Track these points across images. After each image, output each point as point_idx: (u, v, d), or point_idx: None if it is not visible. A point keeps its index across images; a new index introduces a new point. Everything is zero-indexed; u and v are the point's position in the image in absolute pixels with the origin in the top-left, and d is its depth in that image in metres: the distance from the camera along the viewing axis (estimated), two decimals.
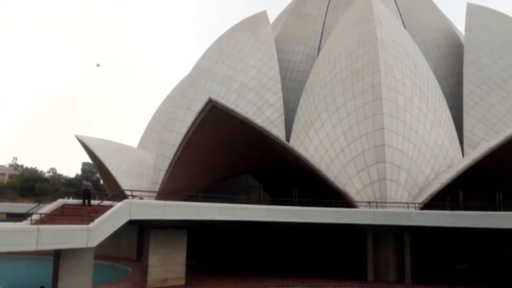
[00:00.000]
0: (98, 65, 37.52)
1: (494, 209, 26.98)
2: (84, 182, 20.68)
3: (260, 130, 27.31)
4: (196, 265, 26.67)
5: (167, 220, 20.74)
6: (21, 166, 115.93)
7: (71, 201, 20.66)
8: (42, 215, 18.11)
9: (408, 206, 25.24)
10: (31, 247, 14.72)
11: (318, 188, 31.62)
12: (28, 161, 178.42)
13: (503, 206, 29.11)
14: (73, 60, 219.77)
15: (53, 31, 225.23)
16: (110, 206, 18.63)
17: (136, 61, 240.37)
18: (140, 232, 28.95)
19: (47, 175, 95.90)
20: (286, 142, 27.62)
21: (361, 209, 25.73)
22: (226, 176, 34.61)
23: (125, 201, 18.69)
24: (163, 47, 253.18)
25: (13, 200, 67.59)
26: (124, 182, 34.74)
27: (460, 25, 43.52)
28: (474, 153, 27.56)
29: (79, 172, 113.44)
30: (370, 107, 28.91)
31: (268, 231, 29.81)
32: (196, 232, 25.02)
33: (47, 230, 15.20)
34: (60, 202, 19.70)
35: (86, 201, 20.48)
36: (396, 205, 26.33)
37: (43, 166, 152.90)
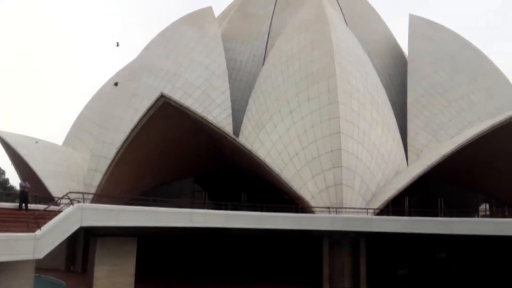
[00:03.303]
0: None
1: (436, 215, 27.84)
2: (22, 183, 17.56)
3: (216, 131, 25.54)
4: (144, 275, 24.26)
5: (119, 226, 18.32)
6: None
7: (4, 204, 17.37)
8: None
9: (367, 212, 24.98)
10: None
11: (266, 194, 30.61)
12: None
13: (444, 212, 30.35)
14: None
15: None
16: (58, 211, 15.89)
17: (53, 54, 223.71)
18: (85, 240, 25.92)
19: None
20: (245, 145, 26.10)
21: (320, 214, 25.02)
22: (170, 179, 32.29)
23: (76, 205, 16.05)
24: (80, 39, 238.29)
25: None
26: (52, 184, 31.06)
27: (400, 35, 45.34)
28: (426, 160, 28.16)
29: None
30: (326, 111, 28.42)
31: (222, 238, 28.06)
32: (145, 240, 22.64)
33: None
34: None
35: (23, 204, 17.43)
36: (352, 210, 26.01)
37: None
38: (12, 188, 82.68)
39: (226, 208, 23.73)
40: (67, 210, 15.62)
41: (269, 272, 28.46)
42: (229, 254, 29.73)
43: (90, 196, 24.63)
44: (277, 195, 30.65)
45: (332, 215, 24.66)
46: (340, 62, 30.27)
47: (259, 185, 31.95)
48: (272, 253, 29.19)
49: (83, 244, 28.37)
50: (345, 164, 26.99)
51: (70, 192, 17.00)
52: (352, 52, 32.76)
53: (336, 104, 28.16)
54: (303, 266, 27.67)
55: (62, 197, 16.51)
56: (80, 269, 28.71)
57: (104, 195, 23.99)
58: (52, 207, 16.48)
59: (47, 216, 15.38)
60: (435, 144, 32.61)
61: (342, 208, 25.49)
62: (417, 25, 40.24)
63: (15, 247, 13.33)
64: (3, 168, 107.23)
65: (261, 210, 23.90)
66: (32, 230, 14.01)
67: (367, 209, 25.30)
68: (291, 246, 28.20)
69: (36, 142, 34.53)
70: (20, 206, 17.38)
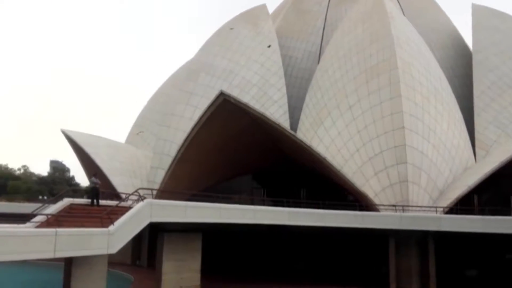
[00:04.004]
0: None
1: (509, 214, 26.11)
2: (93, 179, 18.13)
3: (275, 127, 25.34)
4: (208, 270, 24.54)
5: (184, 222, 18.56)
6: None
7: (78, 200, 18.06)
8: (49, 216, 15.55)
9: (436, 210, 23.85)
10: (48, 254, 12.26)
11: (326, 191, 30.06)
12: None
13: None
14: (51, 55, 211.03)
15: (20, 22, 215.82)
16: (128, 207, 16.29)
17: (113, 57, 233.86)
18: (150, 235, 26.64)
19: (17, 172, 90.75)
20: (304, 141, 25.72)
21: (386, 212, 24.16)
22: (229, 176, 32.48)
23: (146, 201, 16.37)
24: (134, 44, 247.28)
25: None
26: (117, 181, 32.16)
27: (461, 26, 43.17)
28: (498, 156, 26.53)
29: (49, 170, 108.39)
30: (388, 105, 27.46)
31: (283, 235, 27.84)
32: (208, 236, 22.85)
33: (65, 235, 12.74)
34: (67, 201, 17.11)
35: (95, 200, 18.02)
36: (418, 208, 24.94)
37: (12, 164, 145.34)
38: (77, 185, 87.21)
39: (285, 205, 23.46)
40: (138, 206, 15.96)
41: (331, 271, 27.92)
42: (291, 252, 29.48)
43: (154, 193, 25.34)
44: (337, 192, 30.08)
45: (398, 213, 23.72)
46: (401, 54, 29.13)
47: (318, 182, 31.48)
48: (334, 252, 28.63)
49: (148, 239, 29.21)
50: (410, 160, 25.91)
51: (140, 189, 17.40)
52: (413, 44, 31.46)
53: (399, 98, 27.12)
54: (366, 266, 26.95)
55: (133, 193, 16.92)
56: (146, 263, 29.60)
57: (169, 191, 24.36)
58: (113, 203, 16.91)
59: (118, 211, 15.83)
60: (505, 138, 30.67)
61: (409, 206, 24.47)
62: (481, 14, 38.07)
63: (90, 242, 13.74)
64: (68, 166, 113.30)
65: (323, 207, 23.44)
66: (106, 225, 14.41)
67: (436, 207, 24.12)
68: (354, 245, 27.52)
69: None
70: (92, 202, 17.95)
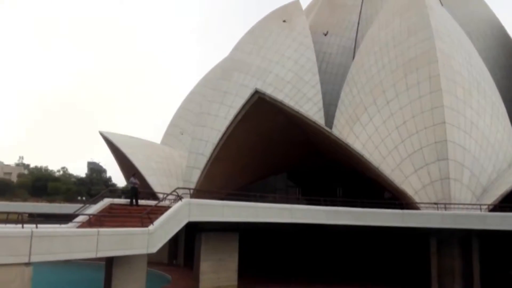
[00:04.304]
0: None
1: None
2: (132, 179, 18.37)
3: (311, 125, 24.97)
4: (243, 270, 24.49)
5: (222, 222, 18.52)
6: (27, 165, 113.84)
7: (117, 200, 18.33)
8: (91, 216, 15.83)
9: (481, 208, 22.87)
10: (90, 254, 12.45)
11: (362, 190, 29.49)
12: (34, 160, 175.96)
13: None
14: (81, 59, 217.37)
15: (58, 28, 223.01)
16: (167, 207, 16.38)
17: (142, 60, 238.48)
18: (186, 235, 26.86)
19: (57, 174, 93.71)
20: (340, 138, 25.24)
21: (427, 211, 23.37)
22: (264, 175, 32.34)
23: (184, 200, 16.42)
24: (161, 47, 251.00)
25: (24, 199, 65.53)
26: (154, 181, 32.63)
27: (502, 15, 41.29)
28: None
29: (86, 171, 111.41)
30: (428, 100, 26.52)
31: (320, 234, 27.46)
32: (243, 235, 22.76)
33: (107, 234, 12.89)
34: (107, 201, 17.41)
35: (134, 200, 18.24)
36: (461, 206, 24.00)
37: (51, 165, 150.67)
38: (114, 185, 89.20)
39: (321, 204, 23.04)
40: (176, 206, 16.03)
41: (370, 272, 27.34)
42: (328, 252, 29.05)
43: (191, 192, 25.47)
44: (374, 191, 29.44)
45: (440, 211, 22.90)
46: (441, 46, 28.07)
47: (354, 181, 30.90)
48: (372, 251, 28.01)
49: (185, 239, 29.46)
50: (452, 156, 24.96)
51: (178, 188, 17.48)
52: (453, 35, 30.29)
53: (439, 92, 26.14)
54: (406, 266, 26.19)
55: (171, 193, 17.01)
56: (182, 263, 29.87)
57: (207, 190, 24.44)
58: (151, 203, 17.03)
59: (157, 211, 15.94)
60: None
61: (451, 204, 23.58)
62: None
63: (131, 242, 13.88)
64: (104, 167, 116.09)
65: (361, 206, 22.91)
66: (146, 225, 14.52)
67: (481, 205, 23.13)
68: (393, 244, 26.82)
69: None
70: (131, 201, 18.19)
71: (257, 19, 40.00)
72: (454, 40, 29.83)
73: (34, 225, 11.62)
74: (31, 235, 10.70)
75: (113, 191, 53.11)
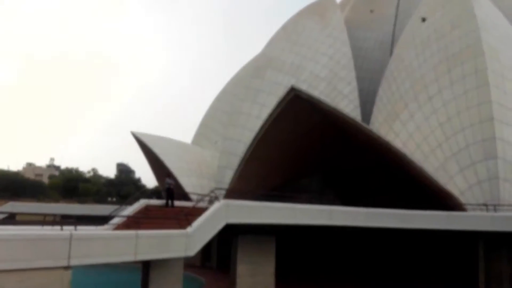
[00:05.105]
0: (423, 19, 34.06)
1: None
2: (167, 180, 17.88)
3: (350, 122, 23.94)
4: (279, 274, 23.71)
5: (259, 224, 17.78)
6: (58, 166, 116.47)
7: (153, 201, 17.87)
8: (125, 218, 15.39)
9: None
10: (128, 257, 11.90)
11: (402, 191, 28.18)
12: (64, 162, 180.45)
13: None
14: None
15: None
16: (204, 208, 15.76)
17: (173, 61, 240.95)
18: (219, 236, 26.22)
19: (87, 175, 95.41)
20: (381, 136, 24.09)
21: (476, 213, 22.00)
22: (299, 175, 31.45)
23: (222, 201, 15.77)
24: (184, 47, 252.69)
25: (56, 200, 66.72)
26: (186, 182, 32.17)
27: None
28: None
29: (115, 172, 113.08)
30: (474, 95, 25.10)
31: (359, 236, 26.40)
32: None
33: (145, 237, 12.33)
34: (143, 202, 16.95)
35: (170, 201, 17.73)
36: (510, 207, 22.49)
37: (82, 167, 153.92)
38: (144, 186, 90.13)
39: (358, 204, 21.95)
40: (214, 207, 15.41)
41: (413, 275, 26.09)
42: (368, 255, 27.95)
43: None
44: (414, 191, 28.09)
45: (490, 213, 21.50)
46: (487, 39, 26.53)
47: (393, 182, 29.62)
48: (413, 254, 26.71)
49: (218, 240, 28.85)
50: (501, 154, 23.47)
51: (216, 188, 16.86)
52: (499, 27, 28.67)
53: (487, 87, 24.67)
54: (451, 269, 24.87)
55: (208, 194, 16.41)
56: (215, 265, 29.29)
57: (243, 191, 23.72)
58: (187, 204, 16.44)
59: (194, 213, 15.34)
60: None
61: (503, 205, 22.13)
62: None
63: (169, 244, 13.32)
64: (132, 168, 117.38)
65: (404, 207, 21.72)
66: (184, 227, 13.93)
67: None
68: (438, 247, 25.51)
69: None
70: (167, 203, 17.71)
71: (287, 16, 39.18)
72: (502, 32, 28.24)
73: (72, 227, 11.13)
74: (70, 238, 10.22)
75: (144, 192, 53.29)
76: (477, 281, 22.35)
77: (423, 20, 30.11)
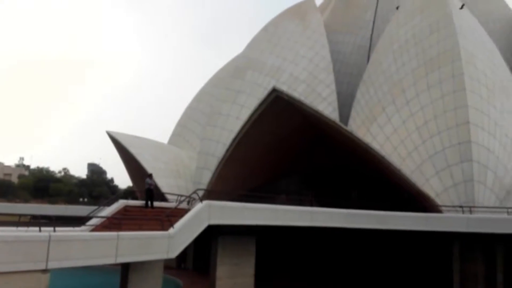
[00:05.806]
0: (462, 6, 32.74)
1: None
2: (148, 180, 17.53)
3: (330, 124, 24.05)
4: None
5: (241, 225, 17.64)
6: (28, 166, 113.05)
7: (132, 202, 17.48)
8: (104, 219, 14.96)
9: (507, 212, 21.94)
10: (109, 259, 11.59)
11: (379, 192, 28.44)
12: (34, 162, 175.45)
13: None
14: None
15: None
16: (186, 210, 15.51)
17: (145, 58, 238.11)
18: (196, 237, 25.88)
19: (58, 175, 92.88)
20: (361, 138, 24.27)
21: (451, 214, 22.44)
22: (277, 177, 31.38)
23: (205, 202, 15.53)
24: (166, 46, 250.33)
25: (26, 200, 64.65)
26: (162, 183, 31.60)
27: None
28: None
29: (87, 172, 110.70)
30: (451, 99, 25.64)
31: (339, 238, 26.49)
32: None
33: (126, 238, 12.00)
34: (122, 203, 16.55)
35: (149, 202, 17.38)
36: (487, 210, 23.05)
37: (52, 167, 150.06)
38: (116, 186, 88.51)
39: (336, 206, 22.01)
40: (197, 208, 15.18)
41: (391, 277, 26.38)
42: (345, 256, 28.09)
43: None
44: (392, 194, 28.44)
45: (466, 215, 21.96)
46: (465, 44, 27.17)
47: (370, 184, 29.89)
48: (389, 257, 27.01)
49: (194, 242, 28.46)
50: (476, 158, 24.04)
51: (198, 190, 16.61)
52: (475, 33, 29.41)
53: (463, 91, 25.25)
54: (426, 271, 25.25)
55: (190, 195, 16.17)
56: (192, 266, 28.91)
57: (226, 191, 23.44)
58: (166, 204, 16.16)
59: (176, 214, 15.06)
60: None
61: (477, 207, 22.64)
62: None
63: (151, 246, 13.03)
64: (104, 168, 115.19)
65: (381, 209, 21.94)
66: (166, 228, 13.64)
67: (507, 208, 22.19)
68: (413, 249, 25.85)
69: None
70: (146, 203, 17.37)
71: (267, 18, 39.13)
72: (477, 38, 29.00)
73: (51, 229, 10.69)
74: (49, 240, 9.81)
75: (115, 192, 52.12)
76: (452, 281, 22.81)
77: (397, 8, 30.85)
